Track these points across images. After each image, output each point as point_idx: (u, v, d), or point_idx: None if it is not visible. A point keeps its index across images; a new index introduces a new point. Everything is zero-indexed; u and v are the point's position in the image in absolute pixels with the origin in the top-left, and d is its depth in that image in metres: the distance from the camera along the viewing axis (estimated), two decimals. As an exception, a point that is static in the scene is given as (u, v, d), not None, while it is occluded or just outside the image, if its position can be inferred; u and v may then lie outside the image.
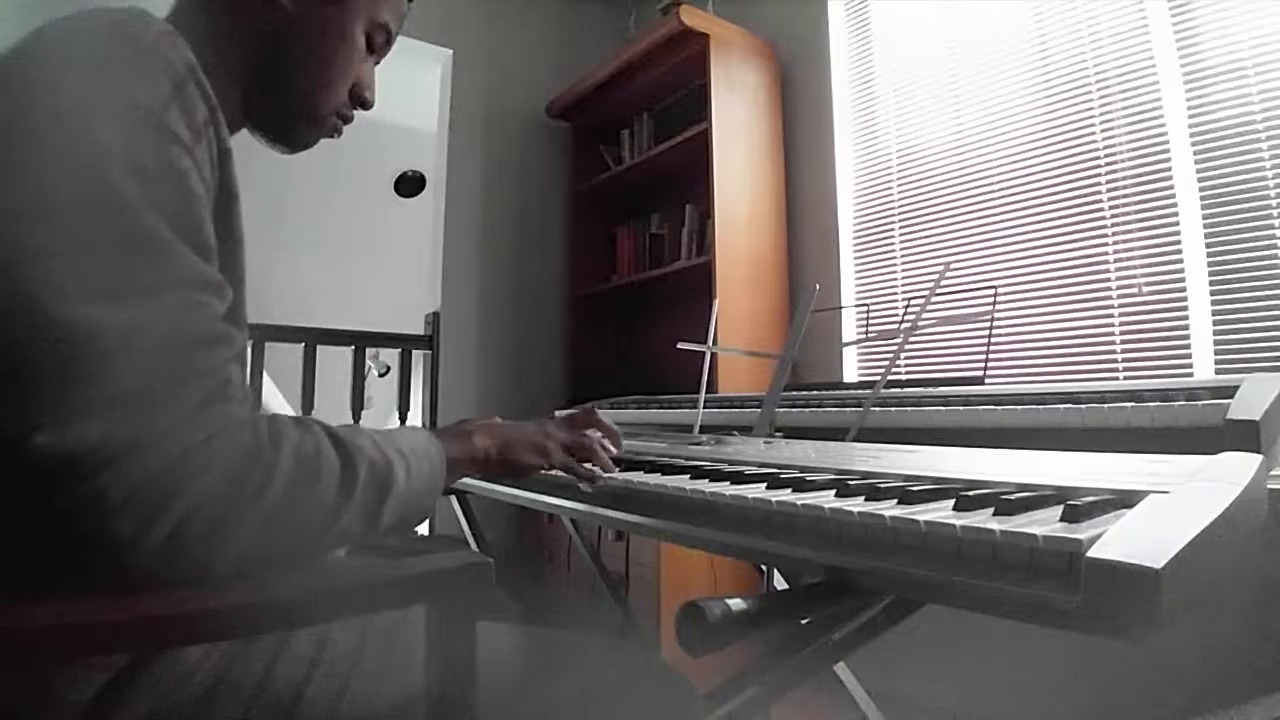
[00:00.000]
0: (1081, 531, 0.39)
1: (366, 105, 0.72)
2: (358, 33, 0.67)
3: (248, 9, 0.62)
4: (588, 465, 0.77)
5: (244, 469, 0.44)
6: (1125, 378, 1.59)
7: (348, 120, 0.72)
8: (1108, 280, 1.65)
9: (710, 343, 1.15)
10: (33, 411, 0.40)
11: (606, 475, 0.76)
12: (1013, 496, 0.47)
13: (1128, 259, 1.62)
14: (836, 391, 1.18)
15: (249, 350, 0.63)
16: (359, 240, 3.80)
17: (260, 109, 0.66)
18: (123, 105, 0.45)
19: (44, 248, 0.41)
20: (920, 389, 1.07)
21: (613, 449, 0.80)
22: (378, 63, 0.73)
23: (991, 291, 1.27)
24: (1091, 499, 0.46)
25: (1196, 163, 1.51)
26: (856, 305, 2.14)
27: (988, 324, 1.19)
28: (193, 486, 0.41)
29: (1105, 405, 0.80)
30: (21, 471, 0.40)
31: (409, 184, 4.00)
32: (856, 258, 2.23)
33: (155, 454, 0.41)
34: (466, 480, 0.88)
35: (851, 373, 2.17)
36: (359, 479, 0.50)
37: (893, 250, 2.12)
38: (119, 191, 0.43)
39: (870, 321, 2.02)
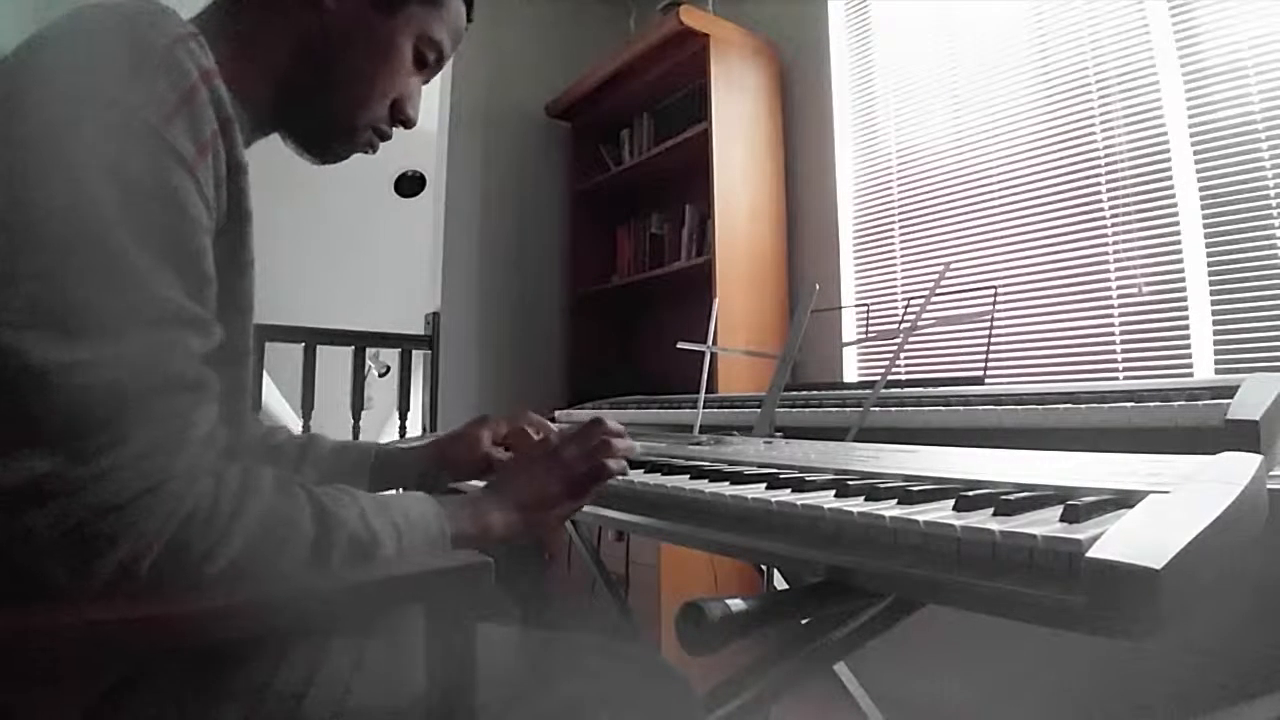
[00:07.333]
0: (1081, 532, 0.39)
1: (408, 124, 0.67)
2: (405, 46, 0.63)
3: (286, 9, 0.59)
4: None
5: (195, 522, 0.41)
6: (1125, 378, 1.59)
7: (385, 137, 0.68)
8: (1108, 280, 1.65)
9: (710, 343, 1.15)
10: None
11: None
12: (1013, 496, 0.47)
13: (1128, 259, 1.61)
14: (836, 391, 1.18)
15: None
16: (359, 240, 3.80)
17: (292, 115, 0.63)
18: (115, 116, 0.42)
19: (2, 271, 0.39)
20: (920, 389, 1.07)
21: (628, 457, 0.73)
22: (428, 80, 0.68)
23: (991, 291, 1.26)
24: (1091, 499, 0.45)
25: (1196, 163, 1.51)
26: (856, 305, 2.14)
27: (988, 324, 1.19)
28: (132, 534, 0.39)
29: (1105, 405, 0.80)
30: None
31: (409, 184, 3.99)
32: (856, 258, 2.23)
33: (90, 498, 0.38)
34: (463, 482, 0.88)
35: (851, 373, 2.17)
36: (333, 552, 0.47)
37: (893, 250, 2.12)
38: (97, 212, 0.40)
39: (870, 321, 2.02)
